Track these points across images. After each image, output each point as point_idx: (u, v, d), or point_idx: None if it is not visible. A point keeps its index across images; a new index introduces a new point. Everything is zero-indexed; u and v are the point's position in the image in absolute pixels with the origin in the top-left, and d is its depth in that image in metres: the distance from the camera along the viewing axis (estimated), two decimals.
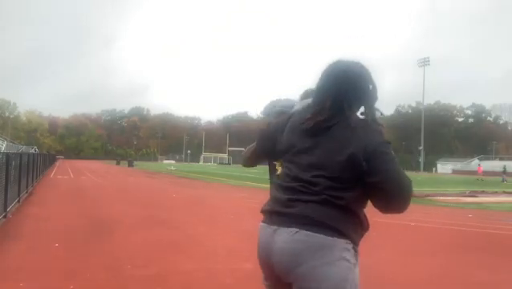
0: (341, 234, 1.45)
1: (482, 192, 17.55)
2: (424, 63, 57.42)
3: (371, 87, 1.59)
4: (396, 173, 1.47)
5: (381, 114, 1.60)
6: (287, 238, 1.47)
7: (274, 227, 1.52)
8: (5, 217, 7.35)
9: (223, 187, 18.73)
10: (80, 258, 4.75)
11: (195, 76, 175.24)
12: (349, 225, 1.49)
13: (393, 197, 1.48)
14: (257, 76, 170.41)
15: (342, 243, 1.45)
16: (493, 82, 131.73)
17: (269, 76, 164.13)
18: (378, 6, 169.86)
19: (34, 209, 9.04)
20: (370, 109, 1.57)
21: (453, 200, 13.66)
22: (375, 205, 1.51)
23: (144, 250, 5.30)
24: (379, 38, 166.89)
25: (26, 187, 12.11)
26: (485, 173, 44.24)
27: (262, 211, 1.65)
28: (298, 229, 1.45)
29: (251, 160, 2.01)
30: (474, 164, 64.96)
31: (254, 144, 1.89)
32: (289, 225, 1.47)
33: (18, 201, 9.69)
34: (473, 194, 15.94)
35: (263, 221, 1.62)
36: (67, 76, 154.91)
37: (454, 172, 63.04)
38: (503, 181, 31.87)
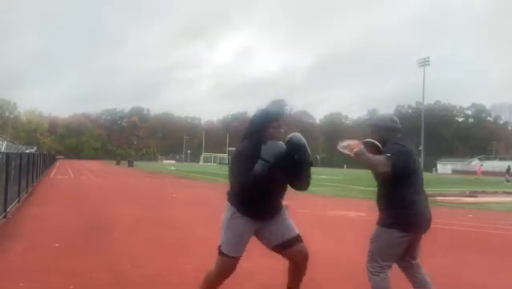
0: (228, 199, 2.94)
1: (482, 192, 17.55)
2: (424, 63, 57.37)
3: (255, 123, 2.85)
4: (230, 173, 2.82)
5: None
6: None
7: None
8: (5, 217, 7.35)
9: (223, 187, 18.71)
10: (80, 258, 4.75)
11: (194, 76, 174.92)
12: (232, 196, 2.90)
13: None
14: (256, 76, 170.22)
15: (228, 206, 2.92)
16: (493, 82, 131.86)
17: (267, 76, 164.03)
18: (378, 6, 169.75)
19: (34, 209, 9.04)
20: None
21: (453, 200, 13.66)
22: None
23: (144, 250, 5.31)
24: (379, 38, 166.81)
25: (26, 187, 12.12)
26: (486, 173, 44.17)
27: None
28: None
29: None
30: (474, 164, 64.92)
31: None
32: None
33: (18, 201, 9.69)
34: (473, 194, 15.93)
35: None
36: (67, 76, 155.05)
37: (454, 172, 63.03)
38: (505, 181, 31.53)
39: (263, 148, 2.71)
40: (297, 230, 2.99)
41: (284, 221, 2.97)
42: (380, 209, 2.97)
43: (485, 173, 43.38)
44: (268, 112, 2.84)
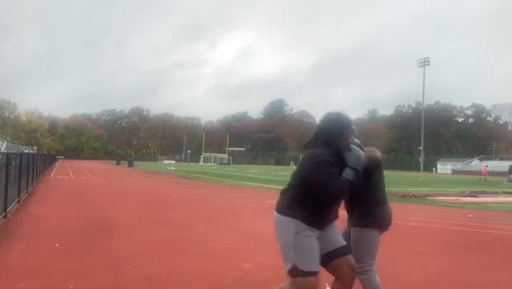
0: (287, 214, 2.61)
1: (482, 192, 17.56)
2: (424, 63, 57.51)
3: (334, 129, 2.69)
4: (318, 181, 2.52)
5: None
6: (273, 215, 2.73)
7: None
8: (5, 217, 7.36)
9: (223, 187, 18.73)
10: (80, 258, 4.75)
11: (194, 76, 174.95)
12: (295, 208, 2.60)
13: (320, 194, 2.55)
14: (256, 76, 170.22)
15: (288, 220, 2.60)
16: (493, 82, 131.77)
17: (268, 76, 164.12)
18: (378, 6, 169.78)
19: (34, 209, 9.04)
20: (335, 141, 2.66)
21: (453, 200, 13.66)
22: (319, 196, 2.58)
23: (144, 250, 5.31)
24: (379, 38, 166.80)
25: (26, 187, 12.12)
26: (488, 174, 44.06)
27: None
28: (274, 211, 2.72)
29: None
30: (474, 164, 64.91)
31: None
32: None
33: (18, 201, 9.69)
34: (473, 194, 15.94)
35: None
36: (67, 76, 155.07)
37: (454, 172, 63.04)
38: (506, 181, 31.35)
39: (347, 155, 2.62)
40: (343, 241, 2.83)
41: (332, 228, 2.80)
42: (349, 208, 3.04)
43: (488, 174, 43.27)
44: (342, 118, 2.76)
